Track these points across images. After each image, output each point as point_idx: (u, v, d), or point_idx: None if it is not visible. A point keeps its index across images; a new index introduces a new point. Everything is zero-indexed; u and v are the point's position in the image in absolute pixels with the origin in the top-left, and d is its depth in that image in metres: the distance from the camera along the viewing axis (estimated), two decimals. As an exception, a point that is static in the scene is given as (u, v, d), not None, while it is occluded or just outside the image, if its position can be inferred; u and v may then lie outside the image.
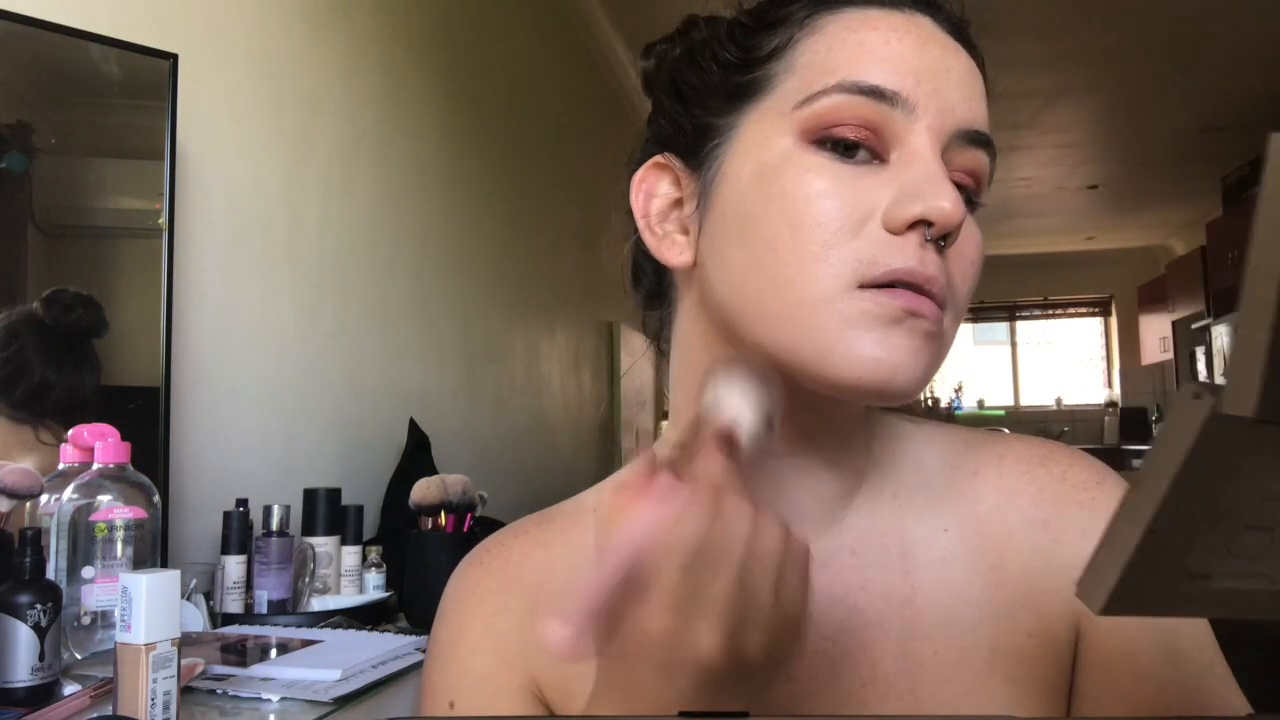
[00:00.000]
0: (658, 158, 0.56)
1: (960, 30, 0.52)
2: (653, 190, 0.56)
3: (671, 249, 0.55)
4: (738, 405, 0.42)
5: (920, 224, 0.46)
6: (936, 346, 0.48)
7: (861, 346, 0.46)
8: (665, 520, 0.38)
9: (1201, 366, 7.06)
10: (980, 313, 9.51)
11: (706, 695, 0.39)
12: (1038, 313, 9.71)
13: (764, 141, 0.49)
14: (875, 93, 0.47)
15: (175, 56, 1.46)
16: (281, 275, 1.89)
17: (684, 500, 0.39)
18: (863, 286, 0.46)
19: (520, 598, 0.58)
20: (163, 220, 1.45)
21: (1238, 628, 0.65)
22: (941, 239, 0.46)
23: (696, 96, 0.53)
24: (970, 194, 0.51)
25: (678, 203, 0.55)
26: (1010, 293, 9.32)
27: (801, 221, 0.47)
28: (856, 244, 0.46)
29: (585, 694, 0.53)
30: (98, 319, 1.37)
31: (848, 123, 0.47)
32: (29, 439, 1.24)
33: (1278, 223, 0.25)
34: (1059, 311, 9.66)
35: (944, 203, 0.45)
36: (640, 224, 0.57)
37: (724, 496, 0.39)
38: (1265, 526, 0.30)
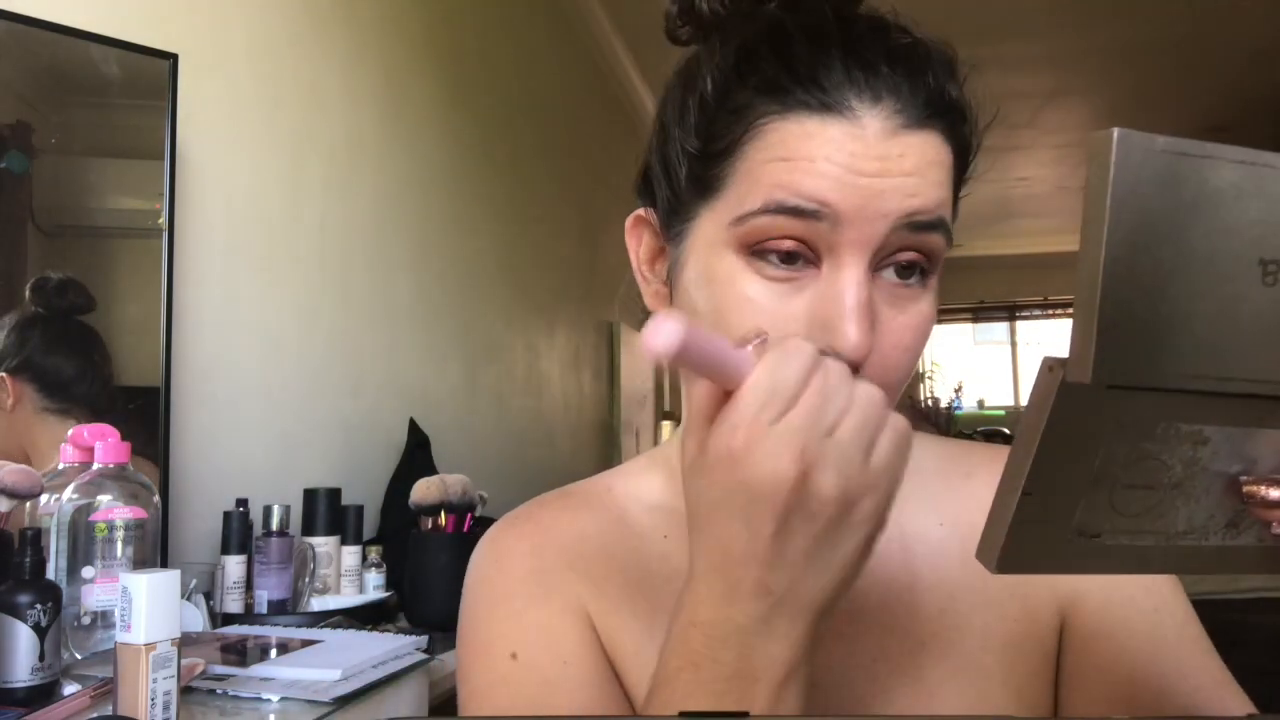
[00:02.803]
0: (641, 212, 0.60)
1: (935, 101, 0.51)
2: (641, 237, 0.60)
3: (655, 298, 0.60)
4: None
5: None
6: None
7: None
8: (774, 359, 0.42)
9: (1201, 366, 7.05)
10: (980, 313, 9.51)
11: (784, 535, 0.42)
12: (1038, 313, 9.71)
13: (710, 249, 0.52)
14: (796, 212, 0.48)
15: (175, 56, 1.46)
16: (281, 275, 1.89)
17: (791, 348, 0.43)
18: None
19: (558, 556, 0.60)
20: (163, 220, 1.45)
21: (1238, 628, 0.65)
22: (854, 365, 0.48)
23: (673, 172, 0.56)
24: (922, 267, 0.52)
25: (662, 251, 0.59)
26: (1010, 293, 9.32)
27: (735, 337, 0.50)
28: None
29: (626, 637, 0.57)
30: (85, 295, 1.39)
31: (777, 240, 0.49)
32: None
33: (1098, 211, 0.28)
34: (1059, 311, 9.65)
35: (849, 337, 0.48)
36: (634, 265, 0.61)
37: (833, 363, 0.43)
38: (1146, 485, 0.33)
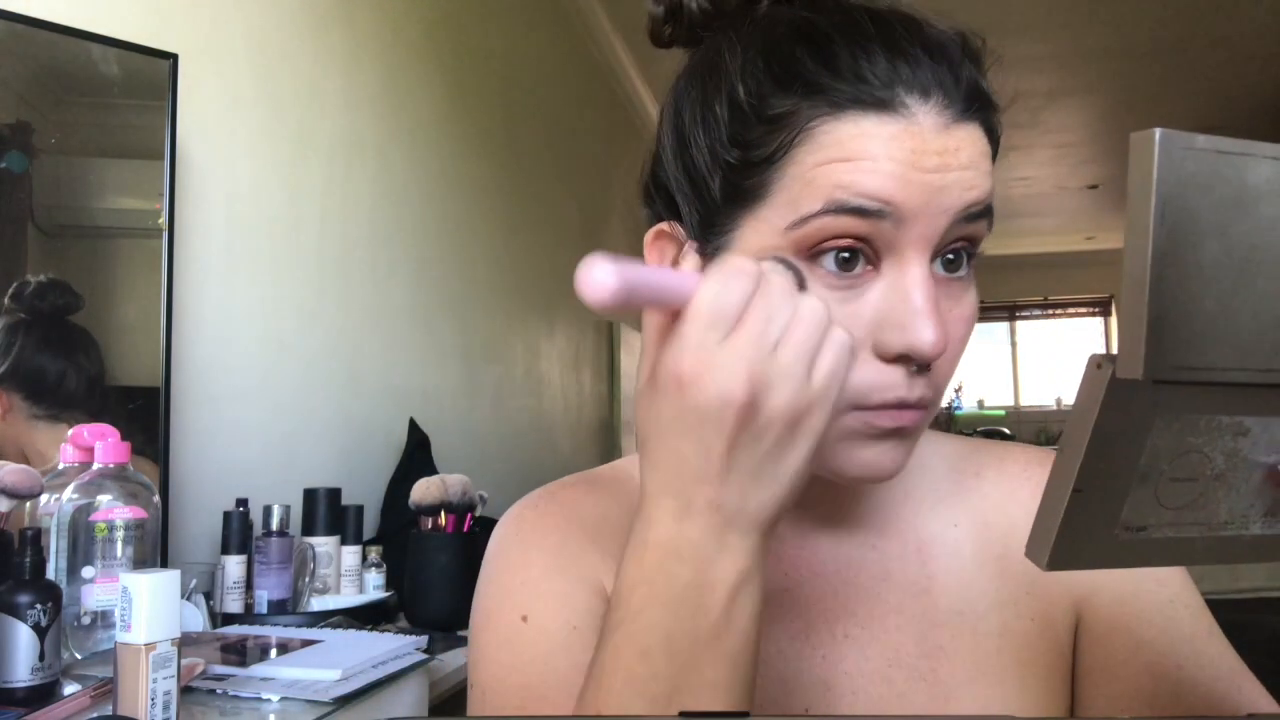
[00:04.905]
0: (663, 226, 0.56)
1: (973, 93, 0.50)
2: (664, 253, 0.57)
3: None
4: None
5: (906, 356, 0.49)
6: (915, 437, 0.54)
7: (857, 455, 0.52)
8: (716, 281, 0.43)
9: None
10: (980, 313, 9.48)
11: (733, 454, 0.43)
12: (1038, 313, 9.71)
13: (761, 258, 0.50)
14: (860, 212, 0.48)
15: (175, 56, 1.46)
16: (281, 275, 1.89)
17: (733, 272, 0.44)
18: (855, 409, 0.50)
19: (580, 533, 0.60)
20: (163, 220, 1.45)
21: (1238, 628, 0.65)
22: (927, 364, 0.50)
23: (702, 184, 0.53)
24: (968, 252, 0.52)
25: None
26: (1010, 293, 9.32)
27: None
28: (852, 377, 0.48)
29: None
30: (70, 295, 1.38)
31: (838, 243, 0.49)
32: (65, 436, 1.24)
33: (1143, 211, 0.29)
34: (1059, 311, 9.66)
35: (925, 337, 0.48)
36: None
37: (775, 280, 0.44)
38: (1190, 478, 0.34)
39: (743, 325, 0.43)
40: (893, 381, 0.49)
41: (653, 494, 0.45)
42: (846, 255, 0.49)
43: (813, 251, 0.49)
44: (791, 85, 0.50)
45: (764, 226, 0.50)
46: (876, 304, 0.49)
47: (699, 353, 0.43)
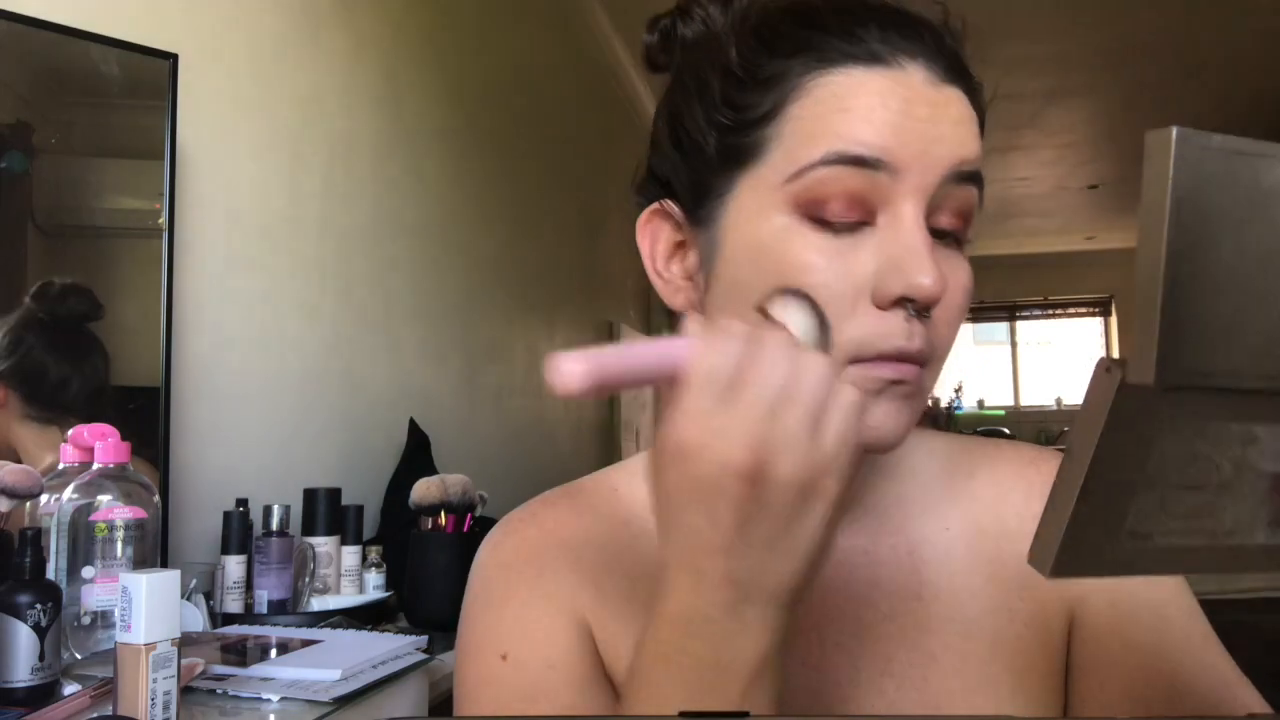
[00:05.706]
0: (656, 205, 0.57)
1: (955, 65, 0.52)
2: (657, 234, 0.58)
3: (677, 295, 0.58)
4: (797, 321, 0.48)
5: (905, 299, 0.49)
6: (916, 402, 0.53)
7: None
8: (707, 345, 0.42)
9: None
10: (980, 313, 9.51)
11: (745, 525, 0.41)
12: (1038, 313, 9.71)
13: (758, 214, 0.51)
14: (859, 161, 0.49)
15: (175, 56, 1.46)
16: (281, 275, 1.89)
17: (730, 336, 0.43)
18: (853, 362, 0.50)
19: (560, 558, 0.60)
20: (163, 220, 1.45)
21: (1238, 627, 0.65)
22: (925, 309, 0.50)
23: (695, 151, 0.55)
24: (958, 234, 0.53)
25: (680, 245, 0.58)
26: (1010, 293, 9.32)
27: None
28: (849, 326, 0.49)
29: (627, 640, 0.55)
30: (91, 303, 1.38)
31: (836, 195, 0.49)
32: (56, 440, 1.24)
33: (1158, 211, 0.28)
34: (1059, 311, 9.66)
35: (924, 279, 0.48)
36: (647, 266, 0.59)
37: (770, 338, 0.43)
38: (1196, 486, 0.33)
39: (740, 390, 0.41)
40: (891, 329, 0.49)
41: (669, 565, 0.44)
42: (842, 212, 0.49)
43: (809, 210, 0.50)
44: (783, 48, 0.52)
45: (761, 184, 0.51)
46: (873, 253, 0.49)
47: (698, 421, 0.41)
